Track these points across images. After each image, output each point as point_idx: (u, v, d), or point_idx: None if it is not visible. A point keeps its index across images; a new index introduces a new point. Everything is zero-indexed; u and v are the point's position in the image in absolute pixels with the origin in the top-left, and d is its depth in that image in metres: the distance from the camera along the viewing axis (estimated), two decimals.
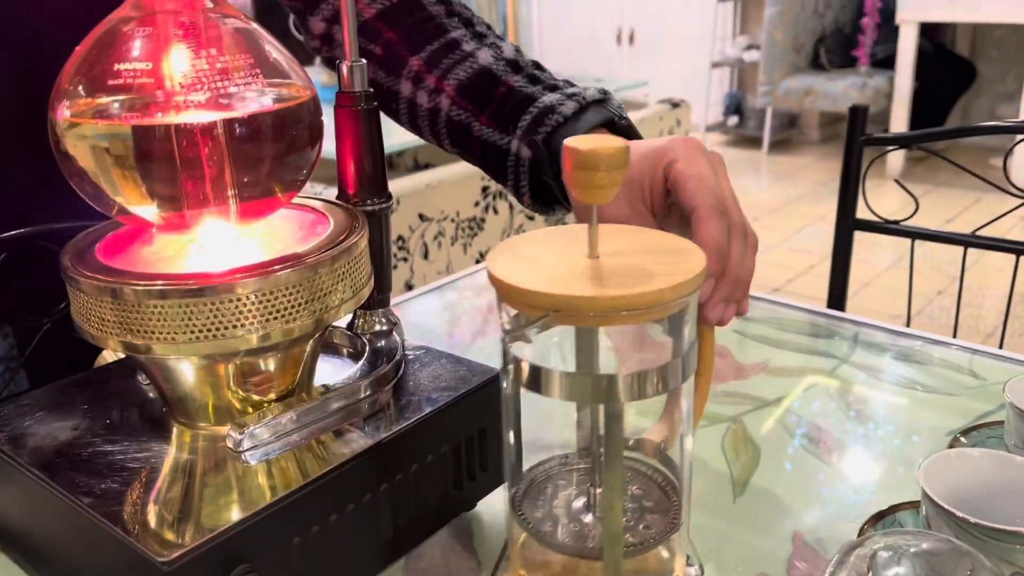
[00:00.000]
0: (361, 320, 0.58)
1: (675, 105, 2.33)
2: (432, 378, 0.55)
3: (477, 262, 1.89)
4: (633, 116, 2.32)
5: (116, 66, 0.44)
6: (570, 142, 0.41)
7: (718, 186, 0.50)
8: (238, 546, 0.41)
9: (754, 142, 4.84)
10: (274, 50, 0.47)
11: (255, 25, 0.47)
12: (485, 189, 1.85)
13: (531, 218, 1.99)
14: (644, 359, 0.45)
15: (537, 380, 0.42)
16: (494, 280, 0.41)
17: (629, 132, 0.62)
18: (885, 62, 4.35)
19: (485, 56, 0.65)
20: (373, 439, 0.48)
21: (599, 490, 0.48)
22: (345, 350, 0.58)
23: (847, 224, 1.00)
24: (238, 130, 0.45)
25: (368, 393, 0.52)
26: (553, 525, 0.47)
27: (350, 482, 0.46)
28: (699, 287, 0.41)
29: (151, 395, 0.53)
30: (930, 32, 4.27)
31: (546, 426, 0.52)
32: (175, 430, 0.50)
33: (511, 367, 0.43)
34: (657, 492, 0.49)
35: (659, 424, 0.49)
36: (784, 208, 3.82)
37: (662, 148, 0.53)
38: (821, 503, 0.58)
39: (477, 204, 1.84)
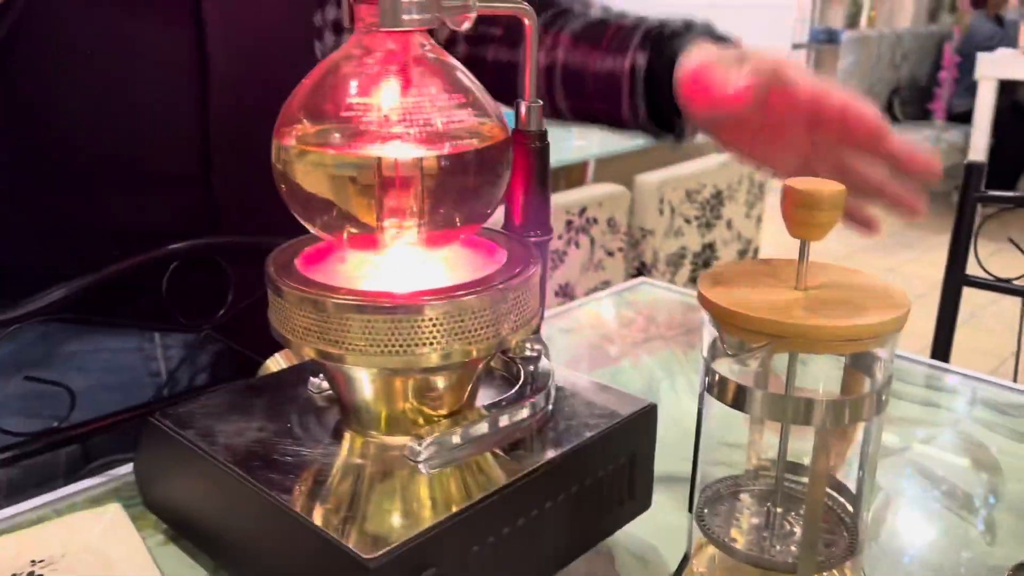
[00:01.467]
0: (514, 345, 0.60)
1: None
2: (586, 404, 0.57)
3: (556, 295, 1.91)
4: (714, 160, 2.35)
5: (338, 99, 0.48)
6: (791, 182, 0.44)
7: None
8: (429, 550, 0.44)
9: None
10: (477, 90, 0.50)
11: (460, 65, 0.51)
12: (569, 223, 1.89)
13: (610, 254, 2.02)
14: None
15: (741, 398, 0.45)
16: (712, 306, 0.45)
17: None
18: (961, 116, 4.31)
19: (596, 11, 0.74)
20: (541, 459, 0.51)
21: (779, 509, 0.51)
22: (499, 374, 0.61)
23: (956, 279, 1.01)
24: (441, 164, 0.48)
25: (528, 415, 0.55)
26: (735, 539, 0.50)
27: (523, 498, 0.49)
28: (907, 318, 0.45)
29: (319, 403, 0.57)
30: (1009, 89, 4.22)
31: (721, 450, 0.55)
32: (347, 436, 0.53)
33: (716, 386, 0.46)
34: (831, 515, 0.51)
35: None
36: (852, 259, 3.79)
37: (804, 71, 0.60)
38: (955, 553, 0.59)
39: (560, 237, 1.88)
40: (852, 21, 4.74)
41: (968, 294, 1.04)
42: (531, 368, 0.59)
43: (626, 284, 1.09)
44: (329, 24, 0.78)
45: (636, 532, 0.59)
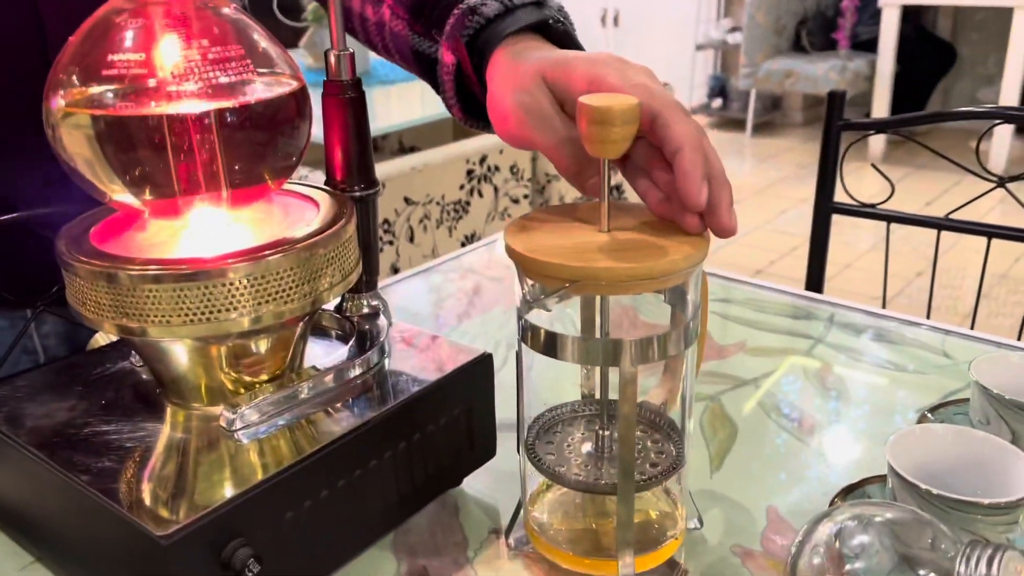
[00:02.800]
0: (349, 303, 0.59)
1: None
2: (419, 358, 0.56)
3: (463, 245, 1.90)
4: None
5: (109, 56, 0.45)
6: (584, 99, 0.43)
7: (664, 92, 0.46)
8: (233, 521, 0.43)
9: (738, 124, 4.86)
10: (263, 39, 0.48)
11: (245, 15, 0.48)
12: (470, 172, 1.86)
13: (515, 201, 2.01)
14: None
15: (552, 345, 0.45)
16: (514, 254, 0.44)
17: (566, 39, 0.56)
18: (866, 45, 4.37)
19: None
20: (363, 418, 0.50)
21: (607, 432, 0.51)
22: (334, 332, 0.59)
23: (825, 208, 1.02)
24: (229, 119, 0.46)
25: (357, 373, 0.54)
26: (565, 467, 0.51)
27: (341, 459, 0.48)
28: (704, 258, 0.44)
29: (144, 377, 0.55)
30: (912, 15, 4.29)
31: (552, 391, 0.55)
32: (169, 410, 0.51)
33: (528, 333, 0.46)
34: (660, 438, 0.52)
35: (658, 388, 0.52)
36: (767, 190, 3.85)
37: (590, 58, 0.49)
38: (796, 479, 0.60)
39: (462, 187, 1.85)
40: None
41: (878, 222, 1.04)
42: (367, 326, 0.58)
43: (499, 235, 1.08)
44: None
45: (481, 482, 0.59)
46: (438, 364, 0.55)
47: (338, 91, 0.53)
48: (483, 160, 1.88)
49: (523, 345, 0.48)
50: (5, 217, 0.65)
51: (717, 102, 4.97)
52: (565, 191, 2.09)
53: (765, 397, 0.71)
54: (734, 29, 4.89)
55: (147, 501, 0.43)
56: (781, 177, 4.05)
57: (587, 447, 0.52)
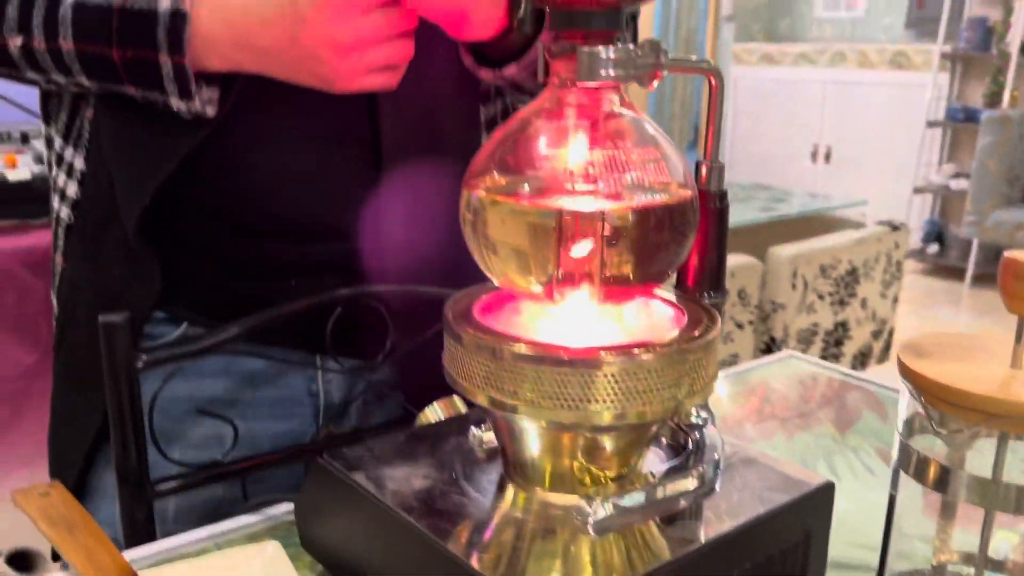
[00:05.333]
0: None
1: (895, 228, 2.26)
2: (757, 479, 0.54)
3: None
4: (851, 236, 2.27)
5: (528, 151, 0.48)
6: (1012, 253, 0.42)
7: None
8: None
9: (955, 273, 4.59)
10: (668, 145, 0.50)
11: (649, 120, 0.50)
12: None
13: (739, 326, 1.97)
14: None
15: (944, 480, 0.42)
16: (918, 378, 0.42)
17: None
18: None
19: None
20: (702, 535, 0.48)
21: None
22: (664, 440, 0.59)
23: None
24: (629, 221, 0.47)
25: (697, 486, 0.52)
26: None
27: (693, 573, 0.46)
28: None
29: (480, 455, 0.56)
30: None
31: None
32: (510, 489, 0.52)
33: (913, 463, 0.43)
34: None
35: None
36: None
37: None
38: None
39: None
40: (993, 100, 4.56)
41: None
42: (697, 435, 0.57)
43: (773, 357, 1.05)
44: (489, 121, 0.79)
45: None
46: (774, 486, 0.53)
47: (707, 200, 0.54)
48: None
49: (901, 476, 0.46)
50: (350, 290, 0.71)
51: (933, 248, 4.74)
52: (790, 321, 2.03)
53: None
54: (957, 175, 4.69)
55: None
56: (1002, 333, 3.76)
57: None
